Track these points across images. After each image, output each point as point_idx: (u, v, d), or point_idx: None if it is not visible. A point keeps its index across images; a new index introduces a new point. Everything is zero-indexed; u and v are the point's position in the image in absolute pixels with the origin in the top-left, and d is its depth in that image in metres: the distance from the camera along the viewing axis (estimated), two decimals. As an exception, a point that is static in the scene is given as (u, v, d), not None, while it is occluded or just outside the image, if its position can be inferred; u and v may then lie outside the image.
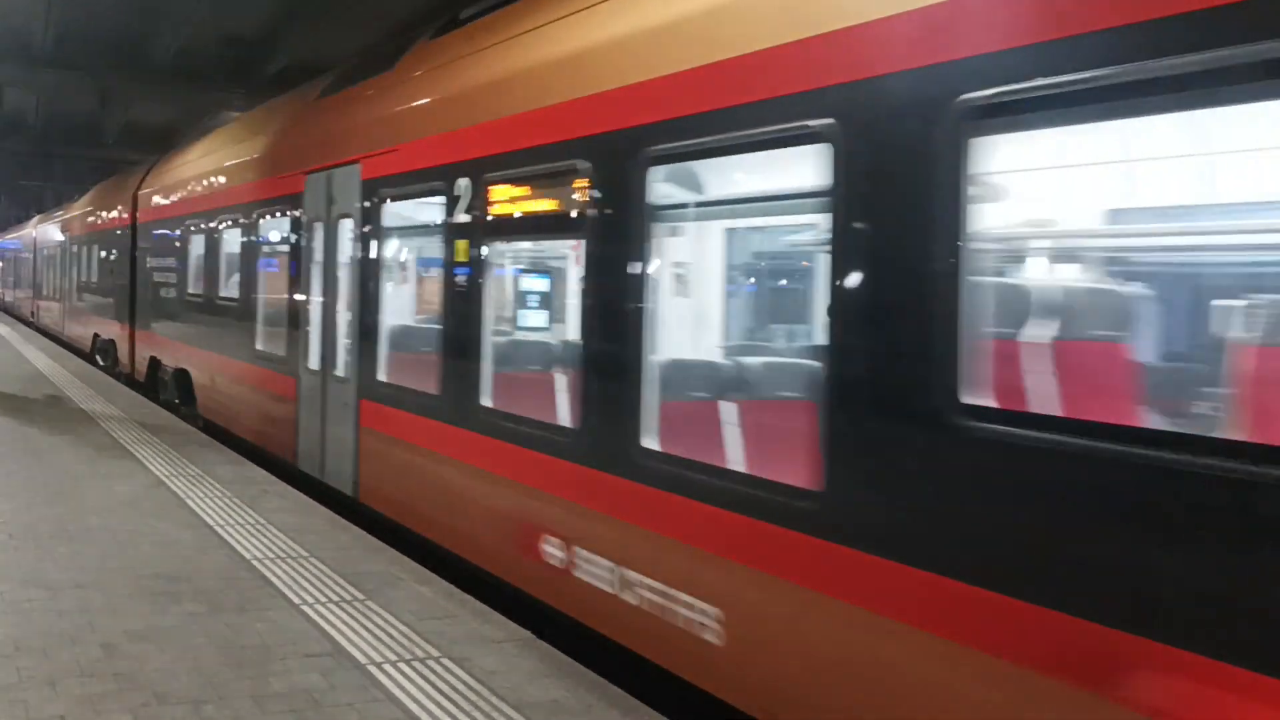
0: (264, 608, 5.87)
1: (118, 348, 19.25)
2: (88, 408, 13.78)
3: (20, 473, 9.28)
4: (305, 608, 5.89)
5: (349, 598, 6.10)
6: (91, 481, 9.02)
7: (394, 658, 5.18)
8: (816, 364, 4.38)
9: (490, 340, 6.92)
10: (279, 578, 6.45)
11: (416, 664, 5.11)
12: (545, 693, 4.81)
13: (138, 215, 17.86)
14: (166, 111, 34.29)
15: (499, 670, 5.06)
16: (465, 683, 4.89)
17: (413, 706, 4.60)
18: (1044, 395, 4.13)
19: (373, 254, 8.53)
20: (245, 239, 11.82)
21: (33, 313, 34.67)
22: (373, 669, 5.02)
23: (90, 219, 22.98)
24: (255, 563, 6.76)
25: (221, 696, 4.62)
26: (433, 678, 4.94)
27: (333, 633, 5.50)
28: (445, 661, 5.15)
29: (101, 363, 20.80)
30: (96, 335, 21.55)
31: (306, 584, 6.34)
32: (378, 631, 5.54)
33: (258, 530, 7.59)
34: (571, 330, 6.94)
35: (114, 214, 19.98)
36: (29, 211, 48.93)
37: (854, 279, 4.07)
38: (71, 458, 10.11)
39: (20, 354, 21.98)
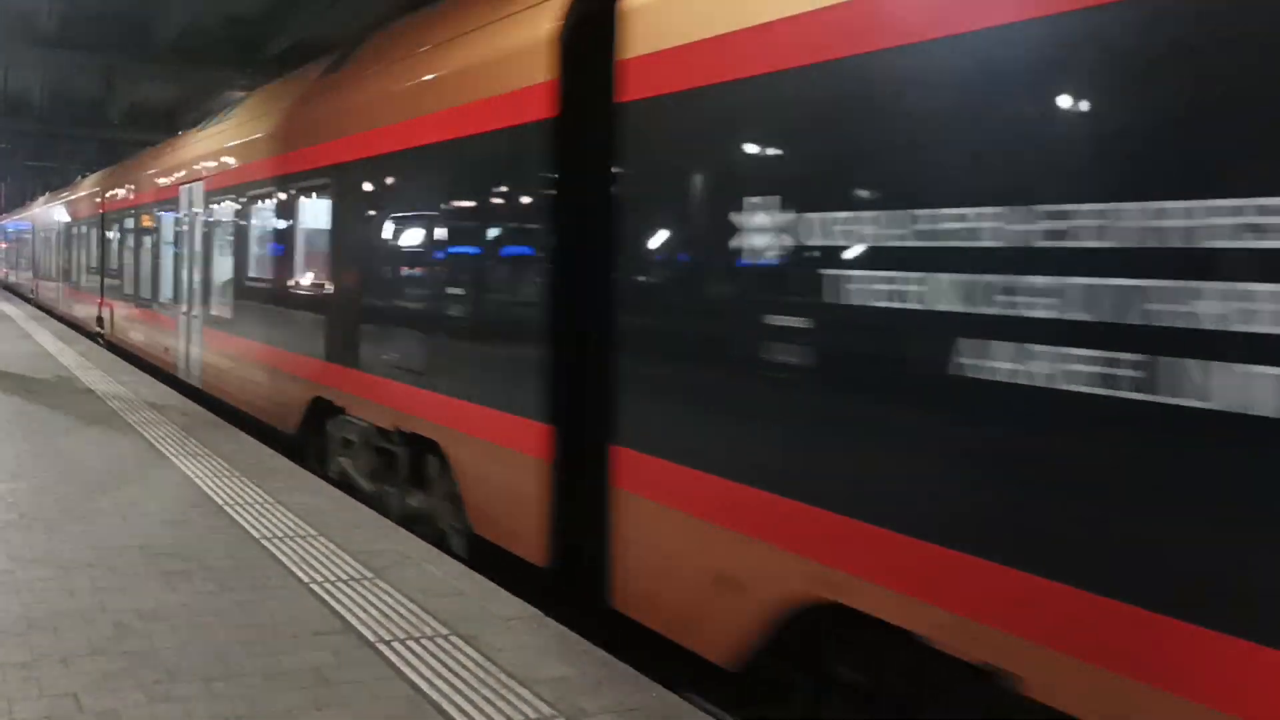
0: (273, 586, 5.90)
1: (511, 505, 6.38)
2: (95, 388, 13.82)
3: (29, 452, 9.31)
4: (314, 586, 5.92)
5: (358, 576, 6.13)
6: (100, 461, 9.05)
7: (403, 635, 5.20)
8: None
9: None
10: (288, 556, 6.47)
11: (425, 641, 5.13)
12: (554, 670, 4.83)
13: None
14: (171, 92, 34.25)
15: (508, 648, 5.08)
16: (474, 660, 4.91)
17: (422, 684, 4.63)
18: None
19: None
20: None
21: (102, 320, 21.27)
22: (382, 646, 5.04)
23: (309, 146, 9.63)
24: (264, 541, 6.78)
25: (232, 674, 4.65)
26: (442, 655, 4.96)
27: (342, 611, 5.53)
28: (454, 639, 5.17)
29: (365, 486, 8.50)
30: (339, 416, 8.94)
31: (315, 562, 6.37)
32: (386, 609, 5.57)
33: (266, 509, 7.62)
34: None
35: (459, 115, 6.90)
36: (35, 193, 48.83)
37: None
38: (80, 437, 10.14)
39: (23, 330, 22.03)
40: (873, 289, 3.94)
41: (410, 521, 7.51)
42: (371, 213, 8.18)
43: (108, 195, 21.08)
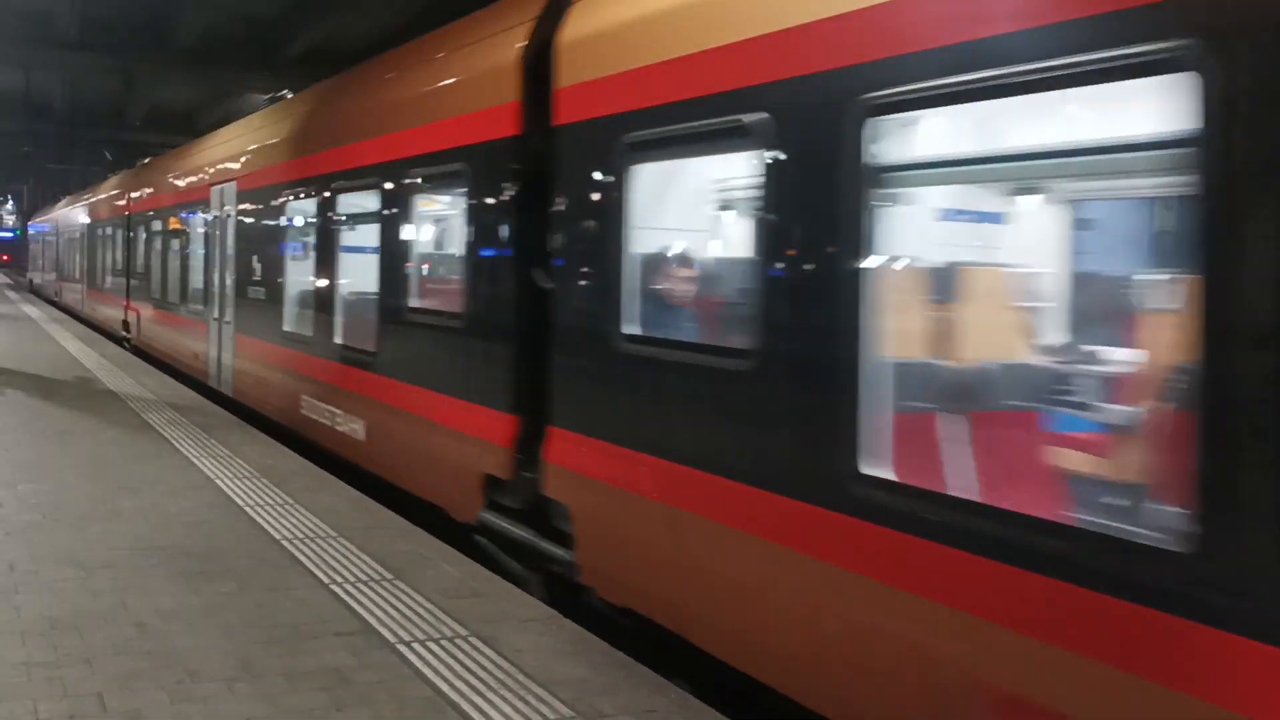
0: (293, 586, 5.93)
1: None
2: (117, 389, 13.92)
3: (53, 454, 9.39)
4: (334, 587, 5.95)
5: (377, 577, 6.16)
6: (122, 463, 9.12)
7: (422, 636, 5.22)
8: None
9: None
10: (308, 557, 6.51)
11: (445, 642, 5.15)
12: (572, 671, 4.85)
13: None
14: (190, 94, 34.46)
15: (526, 649, 5.10)
16: (493, 661, 4.93)
17: (442, 685, 4.65)
18: None
19: None
20: None
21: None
22: (402, 647, 5.07)
23: None
24: (284, 542, 6.82)
25: (254, 674, 4.68)
26: (461, 656, 4.98)
27: (362, 612, 5.55)
28: (473, 640, 5.19)
29: None
30: None
31: (335, 563, 6.40)
32: (406, 610, 5.59)
33: (286, 510, 7.66)
34: None
35: None
36: (56, 195, 49.19)
37: None
38: (102, 439, 10.22)
39: (48, 334, 22.19)
40: None
41: None
42: None
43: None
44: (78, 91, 35.89)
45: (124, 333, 22.33)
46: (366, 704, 4.42)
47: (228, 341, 13.63)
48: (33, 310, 31.43)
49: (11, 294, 40.92)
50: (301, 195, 10.76)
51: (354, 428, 9.09)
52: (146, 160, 24.90)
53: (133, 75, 30.04)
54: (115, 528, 7.02)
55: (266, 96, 15.10)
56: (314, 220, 10.46)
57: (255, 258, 12.49)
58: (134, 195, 22.01)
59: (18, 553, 6.35)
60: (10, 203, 70.63)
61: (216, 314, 14.27)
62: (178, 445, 10.02)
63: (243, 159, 13.45)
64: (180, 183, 17.38)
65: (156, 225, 19.20)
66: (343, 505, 7.90)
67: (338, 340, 9.76)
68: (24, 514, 7.27)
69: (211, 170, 15.08)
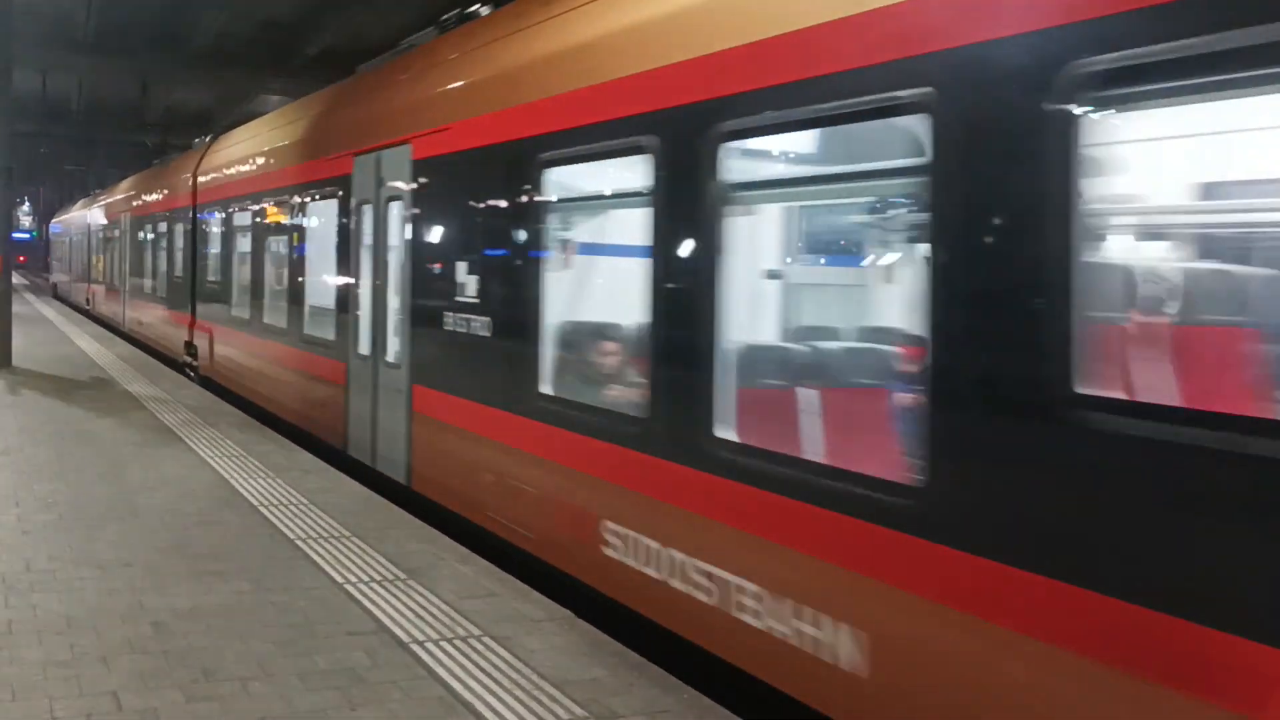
0: (308, 586, 5.95)
1: None
2: (133, 390, 13.99)
3: (70, 454, 9.45)
4: (348, 586, 5.97)
5: (391, 577, 6.17)
6: (138, 463, 9.17)
7: (436, 636, 5.23)
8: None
9: None
10: (322, 557, 6.53)
11: (459, 642, 5.16)
12: (586, 671, 4.85)
13: None
14: (206, 96, 34.65)
15: (540, 649, 5.10)
16: (507, 661, 4.94)
17: (455, 685, 4.66)
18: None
19: None
20: None
21: None
22: (415, 647, 5.08)
23: None
24: (299, 542, 6.85)
25: (268, 674, 4.70)
26: (475, 656, 4.99)
27: (376, 611, 5.57)
28: (487, 640, 5.20)
29: None
30: None
31: (349, 563, 6.42)
32: (420, 610, 5.61)
33: (300, 510, 7.69)
34: None
35: None
36: (73, 197, 49.48)
37: None
38: (119, 439, 10.28)
39: (65, 336, 22.32)
40: None
41: None
42: None
43: None
44: (94, 94, 36.12)
45: (186, 357, 17.36)
46: (380, 703, 4.44)
47: (394, 396, 8.84)
48: (49, 311, 31.61)
49: (30, 295, 41.16)
50: (607, 152, 6.11)
51: (821, 636, 4.34)
52: (209, 137, 19.04)
53: (149, 77, 30.22)
54: (131, 527, 7.05)
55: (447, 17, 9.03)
56: (661, 198, 5.47)
57: (464, 265, 7.77)
58: (203, 180, 16.77)
59: (35, 552, 6.39)
60: (27, 204, 71.29)
61: (366, 348, 9.56)
62: (193, 446, 10.07)
63: (424, 110, 8.61)
64: (288, 158, 12.36)
65: (241, 217, 14.15)
66: (357, 505, 7.93)
67: (729, 434, 5.02)
68: (41, 513, 7.32)
69: (351, 133, 10.27)
